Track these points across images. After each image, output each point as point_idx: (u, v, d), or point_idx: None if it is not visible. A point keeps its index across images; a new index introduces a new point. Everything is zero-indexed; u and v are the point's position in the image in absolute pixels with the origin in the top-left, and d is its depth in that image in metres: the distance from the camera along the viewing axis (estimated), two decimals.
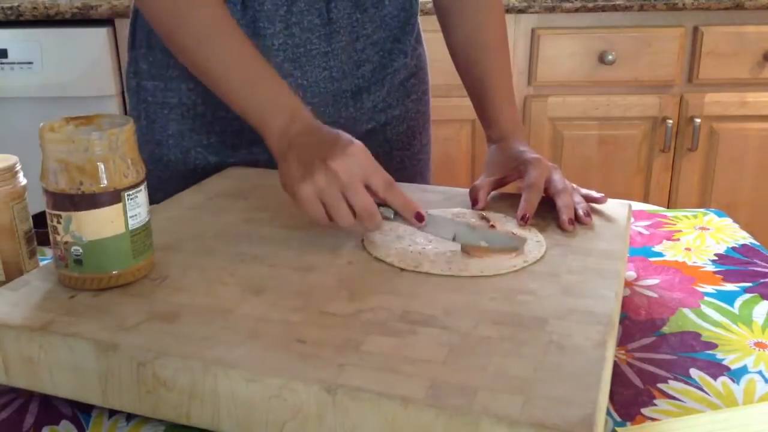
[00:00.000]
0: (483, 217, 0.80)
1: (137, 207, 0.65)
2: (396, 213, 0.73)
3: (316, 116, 0.94)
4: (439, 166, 1.76)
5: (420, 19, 1.08)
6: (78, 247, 0.63)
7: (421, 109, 1.11)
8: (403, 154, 1.09)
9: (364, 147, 0.74)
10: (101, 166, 0.62)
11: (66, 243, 0.63)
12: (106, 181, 0.62)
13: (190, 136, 1.01)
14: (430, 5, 1.06)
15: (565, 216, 0.78)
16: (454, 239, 0.72)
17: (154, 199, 0.85)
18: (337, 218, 0.72)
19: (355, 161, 0.72)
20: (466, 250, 0.71)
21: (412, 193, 0.88)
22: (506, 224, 0.78)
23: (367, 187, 0.72)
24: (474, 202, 0.84)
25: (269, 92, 0.81)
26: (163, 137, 1.02)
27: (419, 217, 0.73)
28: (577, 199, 0.81)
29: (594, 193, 0.83)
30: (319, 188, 0.71)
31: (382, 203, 0.73)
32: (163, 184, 1.02)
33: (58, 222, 0.63)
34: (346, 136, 0.75)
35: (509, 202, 0.84)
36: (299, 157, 0.74)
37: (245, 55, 0.82)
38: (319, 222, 0.73)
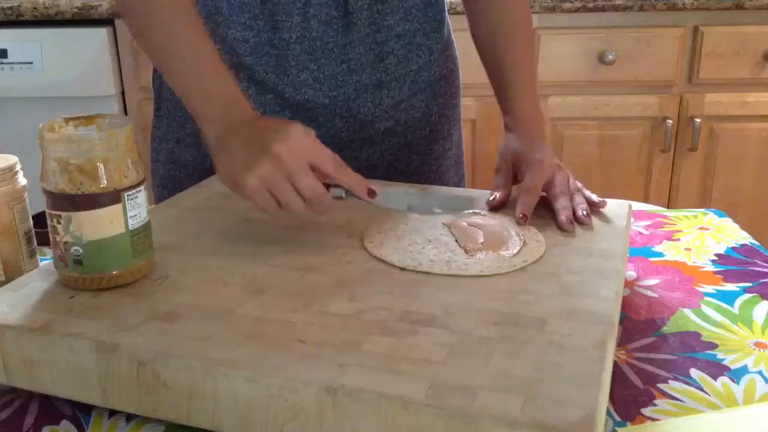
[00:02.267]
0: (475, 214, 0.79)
1: (137, 207, 0.65)
2: (347, 192, 0.72)
3: (333, 112, 0.93)
4: None
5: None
6: (78, 247, 0.63)
7: (448, 113, 1.08)
8: (423, 159, 1.06)
9: (305, 128, 0.72)
10: (101, 167, 0.62)
11: (66, 243, 0.63)
12: (105, 181, 0.62)
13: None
14: (455, 5, 1.05)
15: (563, 216, 0.78)
16: (409, 209, 0.70)
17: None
18: (287, 206, 0.70)
19: (298, 144, 0.70)
20: (463, 248, 0.71)
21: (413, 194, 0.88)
22: (470, 232, 0.77)
23: (316, 169, 0.70)
24: (491, 209, 0.84)
25: (211, 80, 0.79)
26: (182, 135, 1.02)
27: (371, 193, 0.72)
28: (579, 199, 0.81)
29: (594, 198, 0.83)
30: (264, 177, 0.69)
31: (333, 184, 0.72)
32: (179, 183, 1.02)
33: (58, 222, 0.63)
34: (286, 120, 0.73)
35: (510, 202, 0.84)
36: (239, 147, 0.72)
37: (196, 41, 0.80)
38: (270, 211, 0.71)
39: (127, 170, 0.63)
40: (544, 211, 0.80)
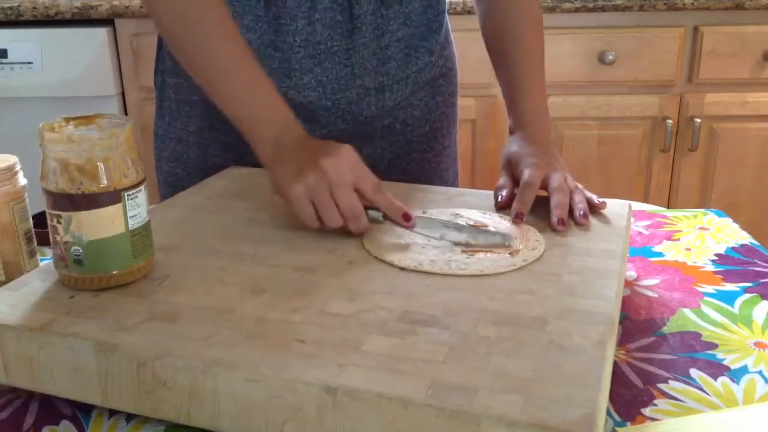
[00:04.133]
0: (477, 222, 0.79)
1: (137, 207, 0.65)
2: (385, 215, 0.75)
3: (335, 115, 0.93)
4: None
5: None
6: (78, 247, 0.63)
7: (447, 111, 1.09)
8: (423, 156, 1.07)
9: (353, 151, 0.76)
10: (101, 166, 0.62)
11: (66, 243, 0.63)
12: (106, 181, 0.62)
13: (209, 133, 1.01)
14: (455, 5, 1.05)
15: (555, 217, 0.78)
16: (441, 238, 0.73)
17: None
18: (325, 218, 0.74)
19: (346, 163, 0.74)
20: (463, 248, 0.71)
21: (416, 192, 0.88)
22: (502, 224, 0.78)
23: (357, 191, 0.74)
24: (497, 202, 0.85)
25: (264, 103, 0.82)
26: (184, 134, 1.03)
27: (406, 218, 0.75)
28: (578, 198, 0.81)
29: (594, 199, 0.83)
30: (309, 187, 0.73)
31: (371, 207, 0.75)
32: (182, 182, 1.02)
33: (58, 222, 0.63)
34: (336, 142, 0.77)
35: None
36: (291, 160, 0.76)
37: (245, 62, 0.83)
38: (309, 224, 0.74)
39: (127, 170, 0.63)
40: (544, 211, 0.80)
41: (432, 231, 0.74)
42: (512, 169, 0.88)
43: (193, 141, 1.02)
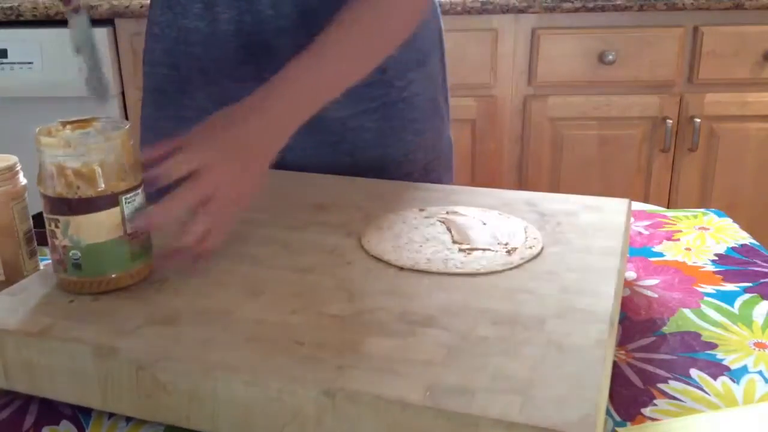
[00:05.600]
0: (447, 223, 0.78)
1: (135, 210, 0.65)
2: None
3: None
4: None
5: None
6: (76, 251, 0.63)
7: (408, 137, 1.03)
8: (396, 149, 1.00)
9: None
10: (98, 170, 0.62)
11: (64, 247, 0.63)
12: (103, 185, 0.62)
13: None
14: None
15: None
16: None
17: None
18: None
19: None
20: (459, 243, 0.71)
21: (407, 191, 0.87)
22: (467, 228, 0.76)
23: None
24: None
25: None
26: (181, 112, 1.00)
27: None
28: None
29: None
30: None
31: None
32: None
33: (56, 226, 0.63)
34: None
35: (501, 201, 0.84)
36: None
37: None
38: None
39: (124, 173, 0.63)
40: (543, 210, 0.80)
41: None
42: None
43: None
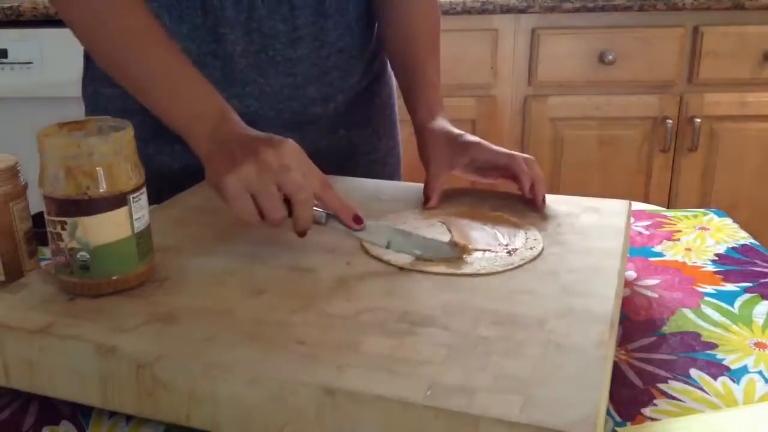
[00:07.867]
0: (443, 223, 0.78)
1: (141, 209, 0.65)
2: (328, 216, 0.70)
3: (279, 125, 0.92)
4: None
5: None
6: (85, 253, 0.62)
7: (386, 113, 1.10)
8: (368, 158, 1.08)
9: (297, 146, 0.69)
10: (107, 170, 0.61)
11: (72, 249, 0.63)
12: (112, 185, 0.62)
13: (153, 143, 0.98)
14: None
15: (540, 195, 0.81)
16: (388, 246, 0.70)
17: None
18: (266, 210, 0.67)
19: (289, 156, 0.67)
20: (457, 244, 0.71)
21: (407, 191, 0.87)
22: (467, 229, 0.77)
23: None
24: (427, 200, 0.83)
25: (194, 97, 0.77)
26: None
27: (357, 220, 0.69)
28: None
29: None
30: (246, 178, 0.66)
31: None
32: None
33: (63, 228, 0.62)
34: (279, 136, 0.70)
35: (498, 202, 0.84)
36: (226, 153, 0.69)
37: (172, 60, 0.78)
38: (247, 218, 0.68)
39: (131, 172, 0.63)
40: (543, 209, 0.80)
41: (379, 238, 0.70)
42: (457, 160, 0.86)
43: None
